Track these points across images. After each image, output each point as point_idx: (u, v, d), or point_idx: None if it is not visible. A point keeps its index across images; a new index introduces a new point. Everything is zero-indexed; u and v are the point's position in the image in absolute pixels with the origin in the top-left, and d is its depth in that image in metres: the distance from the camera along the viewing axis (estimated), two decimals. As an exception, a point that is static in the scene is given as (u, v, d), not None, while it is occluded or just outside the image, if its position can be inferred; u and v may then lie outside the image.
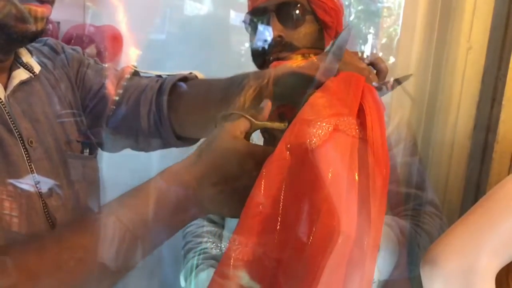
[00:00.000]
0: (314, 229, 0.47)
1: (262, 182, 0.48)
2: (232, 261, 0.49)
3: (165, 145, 0.79)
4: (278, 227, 0.49)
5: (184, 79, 0.78)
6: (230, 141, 0.51)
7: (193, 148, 0.81)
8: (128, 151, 0.85)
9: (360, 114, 0.53)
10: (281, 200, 0.49)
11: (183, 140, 0.78)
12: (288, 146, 0.49)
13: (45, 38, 0.80)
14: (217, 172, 0.51)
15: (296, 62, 0.60)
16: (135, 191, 0.54)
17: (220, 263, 0.50)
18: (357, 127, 0.53)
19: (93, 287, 0.55)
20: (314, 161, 0.50)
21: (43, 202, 0.67)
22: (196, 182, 0.51)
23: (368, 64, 0.59)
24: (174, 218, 0.53)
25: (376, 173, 0.51)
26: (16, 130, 0.66)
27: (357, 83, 0.53)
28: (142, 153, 0.84)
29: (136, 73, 0.82)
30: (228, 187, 0.51)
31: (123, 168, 1.01)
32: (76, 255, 0.53)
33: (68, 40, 1.31)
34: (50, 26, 1.32)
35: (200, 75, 0.81)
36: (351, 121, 0.54)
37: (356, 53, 0.61)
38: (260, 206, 0.48)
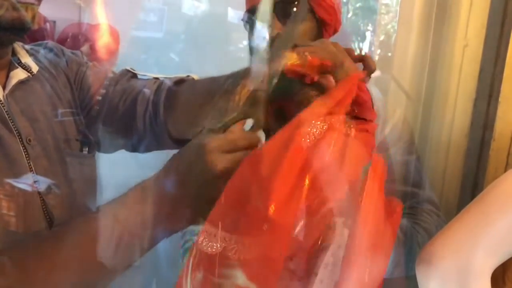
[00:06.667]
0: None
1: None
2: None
3: (160, 146, 0.80)
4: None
5: (181, 81, 0.78)
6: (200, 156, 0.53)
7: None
8: (124, 151, 0.85)
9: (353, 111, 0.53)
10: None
11: (177, 142, 0.78)
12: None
13: (45, 41, 0.81)
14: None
15: (291, 60, 0.60)
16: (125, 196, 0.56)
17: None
18: (351, 126, 0.53)
19: (89, 285, 0.56)
20: (309, 159, 0.50)
21: (41, 199, 0.68)
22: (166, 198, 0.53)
23: (359, 61, 0.60)
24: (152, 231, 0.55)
25: (372, 171, 0.51)
26: (15, 129, 0.66)
27: (351, 80, 0.53)
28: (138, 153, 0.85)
29: (134, 75, 0.83)
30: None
31: (119, 167, 1.01)
32: (73, 254, 0.54)
33: (64, 39, 1.31)
34: (48, 25, 1.32)
35: (197, 78, 0.81)
36: (345, 120, 0.54)
37: (351, 49, 0.62)
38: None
